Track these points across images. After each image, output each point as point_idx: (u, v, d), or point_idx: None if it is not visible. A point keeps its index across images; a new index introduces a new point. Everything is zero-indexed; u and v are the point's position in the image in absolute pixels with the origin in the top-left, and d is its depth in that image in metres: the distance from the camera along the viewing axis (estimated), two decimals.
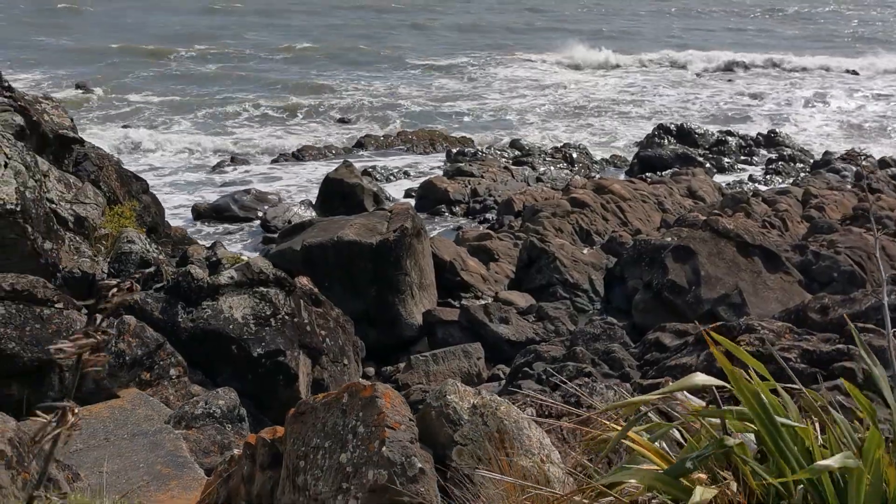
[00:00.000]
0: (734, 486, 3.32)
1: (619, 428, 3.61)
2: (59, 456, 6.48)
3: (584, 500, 3.25)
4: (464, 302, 17.89)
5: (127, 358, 8.07)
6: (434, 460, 4.78)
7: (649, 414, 3.39)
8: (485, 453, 4.52)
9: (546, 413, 5.32)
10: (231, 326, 9.37)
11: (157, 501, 6.52)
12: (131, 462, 7.00)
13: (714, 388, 3.28)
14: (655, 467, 3.25)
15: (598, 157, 32.48)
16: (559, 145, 32.95)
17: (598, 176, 29.10)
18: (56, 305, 8.39)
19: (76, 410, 2.11)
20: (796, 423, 3.18)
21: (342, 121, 37.73)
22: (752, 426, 3.37)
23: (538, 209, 22.81)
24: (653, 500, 3.11)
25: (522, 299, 18.12)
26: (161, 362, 8.31)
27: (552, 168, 30.52)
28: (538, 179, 29.31)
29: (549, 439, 4.78)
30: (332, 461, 4.97)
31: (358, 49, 54.35)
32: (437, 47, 56.51)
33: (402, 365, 14.52)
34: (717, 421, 3.40)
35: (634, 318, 16.87)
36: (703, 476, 3.12)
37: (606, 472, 3.51)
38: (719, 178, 29.86)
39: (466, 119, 38.94)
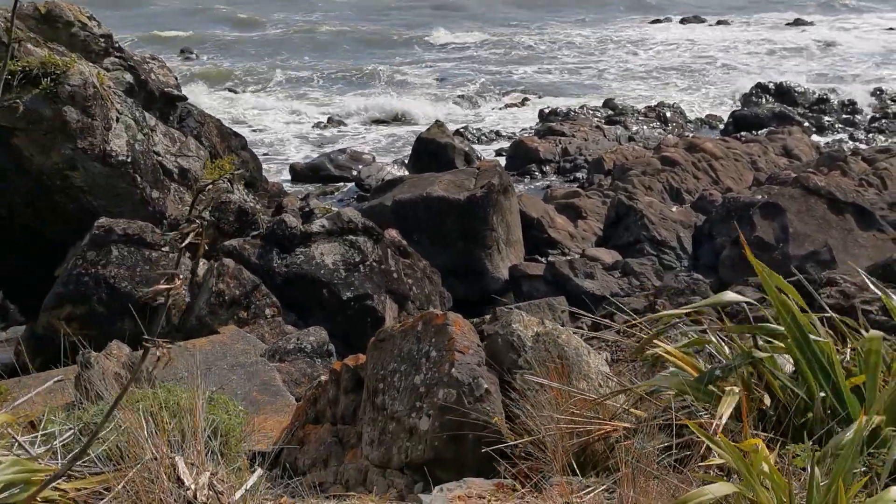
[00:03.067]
0: (766, 398, 3.60)
1: (664, 345, 3.93)
2: (167, 382, 7.13)
3: (626, 404, 3.59)
4: (551, 258, 18.15)
5: (226, 297, 8.70)
6: (500, 382, 5.17)
7: (688, 331, 3.69)
8: (545, 376, 4.87)
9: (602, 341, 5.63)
10: (322, 271, 9.93)
11: (254, 422, 7.11)
12: (230, 389, 7.61)
13: (745, 305, 3.56)
14: (689, 377, 3.57)
15: (692, 117, 31.97)
16: (653, 104, 32.56)
17: (691, 135, 28.71)
18: (163, 249, 9.07)
19: (166, 344, 2.51)
20: (821, 338, 3.44)
21: (439, 80, 38.07)
22: (781, 345, 3.63)
23: (628, 167, 22.75)
24: (683, 405, 3.43)
25: (609, 256, 18.25)
26: (257, 302, 8.92)
27: (645, 127, 30.22)
28: (630, 139, 29.09)
29: (607, 367, 5.10)
30: (408, 383, 5.41)
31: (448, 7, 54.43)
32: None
33: (487, 317, 14.92)
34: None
35: (721, 274, 16.84)
36: (731, 384, 3.41)
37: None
38: (819, 139, 29.04)
39: (561, 78, 38.76)
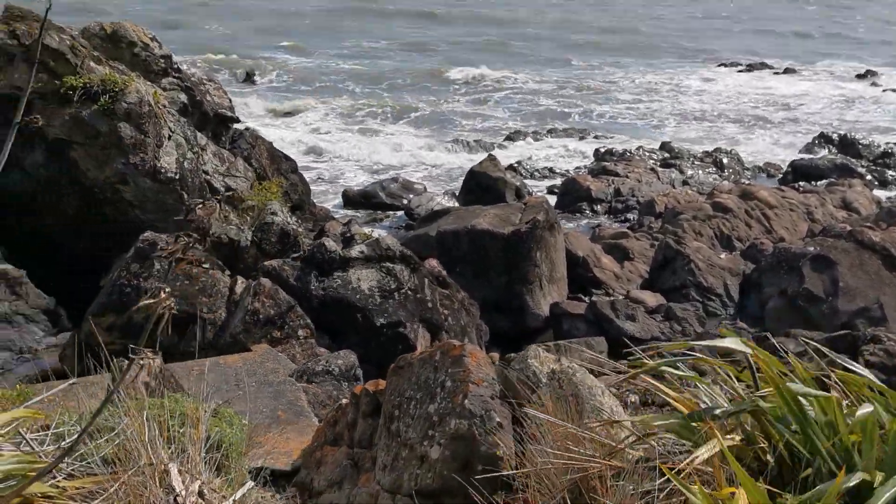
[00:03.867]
0: (767, 449, 3.58)
1: (678, 387, 3.94)
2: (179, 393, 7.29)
3: (624, 442, 3.60)
4: (594, 297, 18.08)
5: (261, 316, 8.86)
6: (512, 417, 5.19)
7: (681, 369, 3.68)
8: (557, 413, 4.88)
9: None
10: (358, 296, 10.06)
11: (273, 441, 7.22)
12: (256, 406, 7.74)
13: (748, 356, 3.55)
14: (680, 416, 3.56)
15: (750, 164, 31.67)
16: (710, 149, 32.35)
17: (747, 182, 28.41)
18: (203, 266, 9.28)
19: (152, 356, 2.61)
20: (819, 393, 3.42)
21: (496, 114, 38.34)
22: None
23: (679, 211, 22.63)
24: (681, 449, 3.42)
25: (653, 299, 18.12)
26: (291, 323, 9.06)
27: (700, 172, 30.04)
28: (685, 183, 28.93)
29: (621, 408, 5.10)
30: (422, 411, 5.46)
31: (512, 44, 54.88)
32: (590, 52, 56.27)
33: (510, 360, 14.90)
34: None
35: (767, 325, 16.60)
36: (716, 426, 3.39)
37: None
38: (881, 193, 28.52)
39: (621, 119, 38.74)
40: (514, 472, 4.04)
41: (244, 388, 8.12)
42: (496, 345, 15.96)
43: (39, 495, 2.81)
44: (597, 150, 32.14)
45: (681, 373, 3.57)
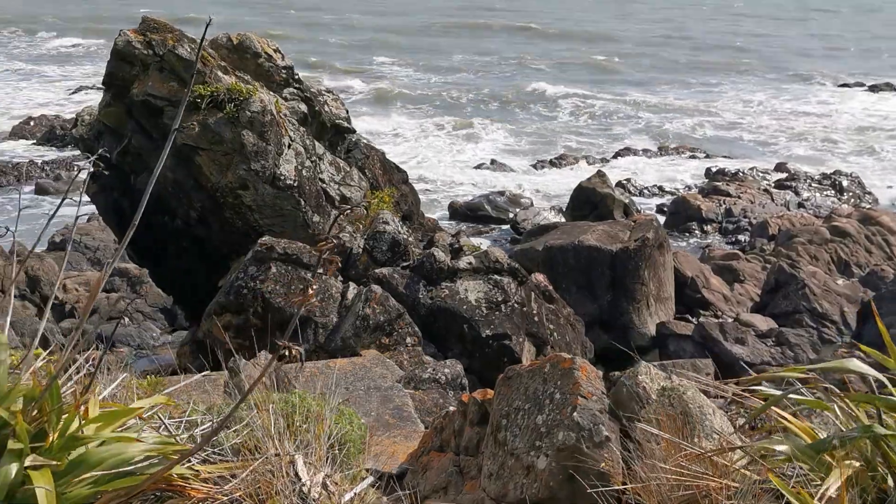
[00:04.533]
0: (889, 479, 3.50)
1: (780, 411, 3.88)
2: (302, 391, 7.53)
3: (739, 462, 3.58)
4: (701, 319, 17.75)
5: (371, 322, 9.07)
6: (621, 432, 5.18)
7: (804, 393, 3.62)
8: (668, 431, 4.86)
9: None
10: (465, 307, 10.17)
11: (380, 444, 7.38)
12: (364, 410, 7.92)
13: (871, 379, 3.47)
14: (802, 442, 3.51)
15: (871, 188, 30.47)
16: (829, 171, 31.30)
17: (868, 207, 27.36)
18: (318, 271, 9.57)
19: (295, 350, 2.74)
20: None
21: (604, 131, 38.07)
22: None
23: (794, 234, 21.98)
24: (795, 471, 3.37)
25: (764, 323, 17.66)
26: (400, 330, 9.24)
27: (817, 195, 29.09)
28: (800, 205, 28.07)
29: (732, 428, 5.03)
30: (530, 421, 5.51)
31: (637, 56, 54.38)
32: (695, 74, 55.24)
33: (619, 377, 14.74)
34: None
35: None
36: (844, 455, 3.33)
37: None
38: None
39: (734, 138, 37.89)
40: (625, 486, 4.05)
41: (353, 392, 8.32)
42: (600, 362, 15.82)
43: (177, 476, 3.00)
44: (708, 170, 31.53)
45: (801, 397, 3.52)
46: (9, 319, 3.53)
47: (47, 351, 3.29)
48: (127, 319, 18.32)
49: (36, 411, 2.69)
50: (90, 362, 3.47)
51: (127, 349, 16.52)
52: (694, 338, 16.18)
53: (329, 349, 9.00)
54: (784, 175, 30.73)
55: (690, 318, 17.90)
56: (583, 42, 61.15)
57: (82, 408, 2.82)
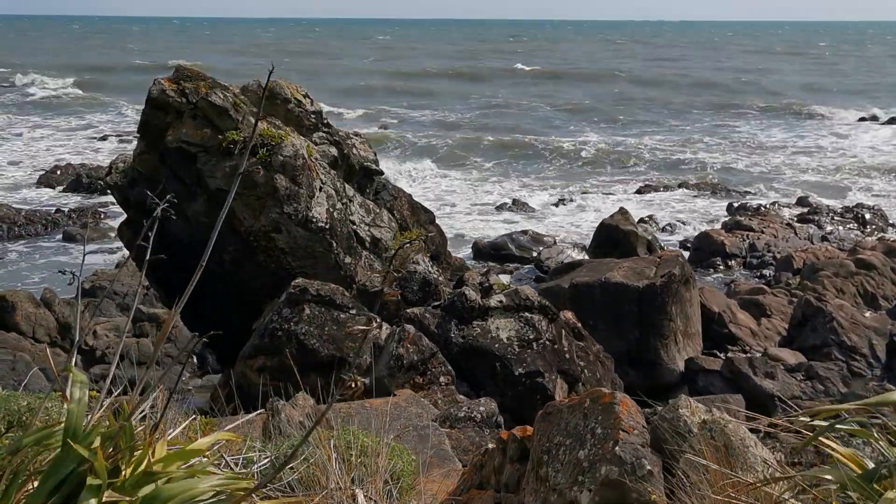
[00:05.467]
0: None
1: (832, 442, 3.92)
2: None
3: (785, 494, 3.61)
4: (729, 354, 17.67)
5: (404, 362, 9.14)
6: (662, 466, 5.21)
7: (854, 424, 3.65)
8: (709, 464, 4.89)
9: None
10: (497, 345, 10.23)
11: (421, 484, 7.42)
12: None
13: None
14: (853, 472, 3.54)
15: (894, 220, 30.36)
16: (851, 205, 31.22)
17: (892, 239, 27.23)
18: (350, 311, 9.67)
19: (360, 382, 2.82)
20: None
21: (626, 168, 38.18)
22: None
23: (819, 268, 21.90)
24: (846, 502, 3.40)
25: (792, 357, 17.55)
26: (433, 369, 9.30)
27: (840, 228, 29.00)
28: (823, 238, 27.97)
29: (774, 460, 5.05)
30: (571, 456, 5.54)
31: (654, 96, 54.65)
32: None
33: (659, 408, 14.69)
34: None
35: None
36: (892, 482, 3.36)
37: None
38: None
39: (754, 174, 37.91)
40: None
41: (389, 433, 8.36)
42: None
43: None
44: (730, 205, 31.54)
45: (849, 427, 3.56)
46: (74, 357, 3.64)
47: (113, 394, 3.39)
48: (155, 364, 18.45)
49: (111, 448, 2.78)
50: (155, 404, 3.58)
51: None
52: (723, 373, 16.11)
53: (364, 389, 9.07)
54: (806, 209, 30.68)
55: (718, 353, 17.83)
56: (595, 81, 61.62)
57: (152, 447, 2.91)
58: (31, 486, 2.81)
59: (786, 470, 4.13)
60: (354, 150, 12.89)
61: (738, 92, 59.62)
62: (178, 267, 12.05)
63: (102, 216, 29.07)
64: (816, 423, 3.92)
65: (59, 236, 26.71)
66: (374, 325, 2.74)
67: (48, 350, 17.58)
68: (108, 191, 16.02)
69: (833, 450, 3.59)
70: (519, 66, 67.87)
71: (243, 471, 3.40)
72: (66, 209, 29.69)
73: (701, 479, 4.08)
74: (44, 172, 34.70)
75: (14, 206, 28.94)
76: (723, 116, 51.26)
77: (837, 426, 3.63)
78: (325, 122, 12.95)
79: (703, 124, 48.70)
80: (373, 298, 10.53)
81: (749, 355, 17.44)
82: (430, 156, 39.17)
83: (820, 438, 3.66)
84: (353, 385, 2.67)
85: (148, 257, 3.20)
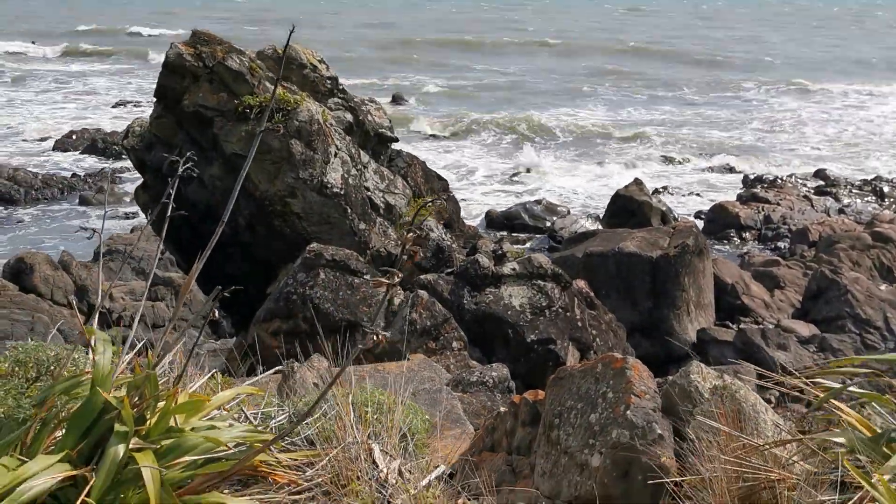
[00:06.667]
0: None
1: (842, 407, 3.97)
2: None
3: (795, 456, 3.67)
4: (742, 325, 17.71)
5: (417, 327, 9.22)
6: (673, 430, 5.27)
7: (862, 387, 3.70)
8: (720, 426, 4.94)
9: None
10: (509, 312, 10.29)
11: (433, 445, 7.52)
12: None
13: None
14: (863, 435, 3.60)
15: None
16: (869, 177, 31.01)
17: None
18: (364, 276, 9.74)
19: (381, 336, 2.87)
20: None
21: (642, 138, 37.99)
22: None
23: (835, 240, 21.84)
24: (856, 465, 3.46)
25: (806, 329, 17.58)
26: (446, 335, 9.38)
27: (858, 201, 28.84)
28: (840, 211, 27.84)
29: (786, 426, 5.10)
30: (583, 420, 5.61)
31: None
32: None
33: (670, 378, 14.76)
34: None
35: None
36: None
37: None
38: None
39: (770, 144, 37.66)
40: (683, 479, 4.15)
41: (403, 394, 8.46)
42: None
43: (261, 463, 3.16)
44: (746, 177, 31.39)
45: (860, 391, 3.60)
46: (96, 319, 3.72)
47: (134, 350, 3.47)
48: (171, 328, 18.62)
49: (137, 398, 2.86)
50: (174, 361, 3.66)
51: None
52: (735, 344, 16.15)
53: (377, 354, 9.15)
54: (823, 182, 30.50)
55: (731, 324, 17.86)
56: (614, 54, 61.10)
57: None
58: (59, 434, 2.90)
59: (796, 434, 4.18)
60: (370, 117, 12.90)
61: (757, 63, 59.05)
62: (193, 230, 12.17)
63: (118, 181, 29.22)
64: (828, 383, 3.97)
65: (76, 200, 26.88)
66: (397, 278, 2.78)
67: (73, 310, 17.76)
68: (125, 155, 16.11)
69: (843, 412, 3.64)
70: (529, 37, 67.34)
71: (262, 424, 3.48)
72: (82, 173, 29.84)
73: (711, 442, 4.14)
74: (59, 137, 34.83)
75: (31, 170, 29.10)
76: (739, 88, 50.80)
77: (850, 389, 3.68)
78: (341, 87, 12.96)
79: (717, 95, 48.31)
80: (386, 263, 10.58)
81: (762, 326, 17.46)
82: (444, 125, 39.05)
83: (837, 405, 3.71)
84: (375, 338, 2.73)
85: (169, 214, 3.25)
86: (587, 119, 41.29)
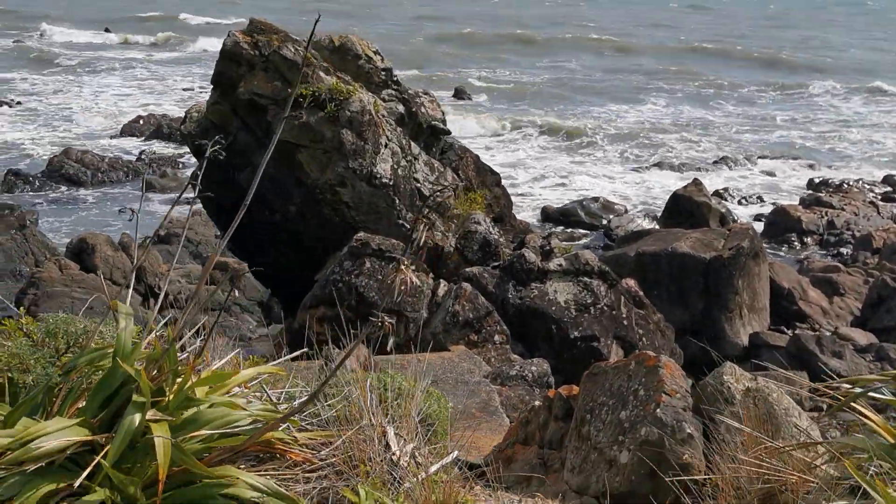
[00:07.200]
0: None
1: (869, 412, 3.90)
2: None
3: (818, 460, 3.62)
4: (797, 331, 17.38)
5: (460, 319, 9.27)
6: (704, 430, 5.23)
7: (885, 393, 3.63)
8: (742, 428, 4.89)
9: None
10: (553, 308, 10.28)
11: (468, 436, 7.57)
12: (451, 402, 8.11)
13: None
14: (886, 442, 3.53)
15: None
16: None
17: None
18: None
19: (388, 322, 2.92)
20: None
21: (702, 139, 37.45)
22: None
23: None
24: (878, 472, 3.40)
25: (864, 337, 17.18)
26: (488, 328, 9.41)
27: None
28: None
29: (817, 432, 5.03)
30: (613, 417, 5.60)
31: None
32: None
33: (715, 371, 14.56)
34: None
35: None
36: None
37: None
38: None
39: (837, 149, 36.80)
40: (704, 476, 4.13)
41: (440, 386, 8.52)
42: (690, 371, 15.63)
43: (277, 440, 3.24)
44: (811, 181, 30.71)
45: (883, 396, 3.54)
46: (130, 294, 3.84)
47: (159, 324, 3.58)
48: (225, 312, 18.95)
49: (155, 371, 2.95)
50: (201, 335, 3.76)
51: (224, 340, 17.15)
52: (788, 349, 15.87)
53: (418, 344, 9.23)
54: (891, 188, 29.72)
55: (786, 329, 17.54)
56: (675, 52, 60.25)
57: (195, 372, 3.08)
58: (82, 403, 3.01)
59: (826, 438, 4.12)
60: (423, 109, 12.97)
61: (827, 64, 57.68)
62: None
63: (181, 166, 29.82)
64: (856, 389, 3.90)
65: (139, 184, 27.52)
66: (403, 267, 2.81)
67: (102, 280, 18.22)
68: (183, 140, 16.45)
69: (867, 417, 3.58)
70: (589, 33, 66.62)
71: (283, 404, 3.56)
72: (147, 158, 30.53)
73: (735, 443, 4.10)
74: (126, 122, 35.68)
75: (97, 153, 29.87)
76: (804, 88, 49.67)
77: (871, 393, 3.61)
78: (395, 79, 13.06)
79: (783, 96, 47.33)
80: (432, 255, 10.64)
81: (817, 333, 17.12)
82: (503, 120, 38.97)
83: (856, 406, 3.65)
84: (380, 324, 2.77)
85: (195, 195, 3.34)
86: (647, 117, 40.83)
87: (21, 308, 14.48)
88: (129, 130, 34.78)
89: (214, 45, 52.13)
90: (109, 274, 17.63)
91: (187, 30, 64.73)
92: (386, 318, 2.70)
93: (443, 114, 13.60)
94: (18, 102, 39.22)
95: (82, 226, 22.53)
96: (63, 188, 26.89)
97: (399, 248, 9.76)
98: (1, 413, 2.85)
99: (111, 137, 34.32)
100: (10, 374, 3.07)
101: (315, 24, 3.07)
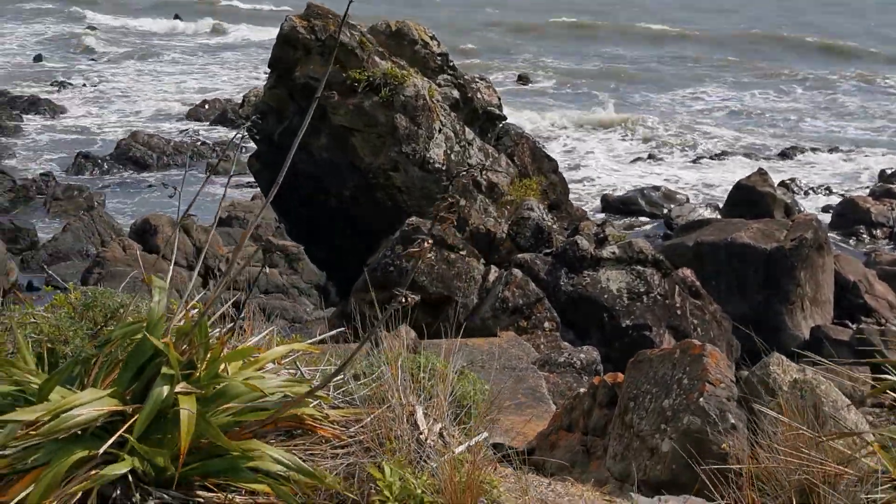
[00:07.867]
0: None
1: None
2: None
3: (857, 452, 3.52)
4: (862, 325, 16.93)
5: (509, 305, 9.24)
6: (748, 421, 5.13)
7: None
8: (795, 419, 4.78)
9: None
10: (606, 296, 10.18)
11: (513, 422, 7.56)
12: (498, 388, 8.11)
13: None
14: None
15: None
16: None
17: None
18: (461, 252, 9.82)
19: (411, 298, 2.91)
20: None
21: (766, 126, 36.66)
22: None
23: None
24: None
25: None
26: (538, 314, 9.37)
27: None
28: None
29: (867, 425, 4.90)
30: (656, 405, 5.54)
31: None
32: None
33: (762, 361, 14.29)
34: None
35: None
36: None
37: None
38: None
39: None
40: (738, 466, 4.06)
41: (488, 370, 8.52)
42: (748, 363, 15.37)
43: (308, 416, 3.27)
44: (882, 171, 29.80)
45: None
46: (170, 276, 3.90)
47: (194, 298, 3.64)
48: (283, 295, 19.19)
49: (186, 345, 3.01)
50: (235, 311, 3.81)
51: (282, 322, 17.35)
52: (851, 344, 15.47)
53: (468, 329, 9.23)
54: None
55: (850, 324, 17.11)
56: (739, 41, 58.87)
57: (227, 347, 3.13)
58: (116, 375, 3.08)
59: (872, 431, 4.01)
60: (479, 94, 12.94)
61: (893, 53, 55.84)
62: (301, 200, 12.53)
63: (243, 150, 30.28)
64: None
65: (203, 167, 28.02)
66: (427, 245, 2.81)
67: (138, 253, 18.54)
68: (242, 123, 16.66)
69: None
70: (652, 22, 65.37)
71: (315, 381, 3.59)
72: (211, 142, 31.07)
73: (777, 434, 4.01)
74: (193, 107, 36.33)
75: (164, 136, 30.49)
76: (877, 78, 48.15)
77: None
78: (451, 64, 13.05)
79: (853, 85, 45.95)
80: (484, 241, 10.61)
81: (883, 327, 16.66)
82: (565, 108, 38.66)
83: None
84: (403, 300, 2.78)
85: (216, 165, 3.37)
86: (710, 107, 40.08)
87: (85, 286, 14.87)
88: (194, 115, 35.42)
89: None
90: (171, 254, 17.99)
91: (253, 17, 65.46)
92: (410, 294, 2.70)
93: (499, 99, 13.55)
94: (87, 86, 40.21)
95: (146, 207, 23.04)
96: (130, 170, 27.53)
97: (451, 233, 9.77)
98: (38, 381, 2.93)
99: (177, 121, 34.99)
100: (49, 345, 3.16)
101: (348, 6, 3.08)
